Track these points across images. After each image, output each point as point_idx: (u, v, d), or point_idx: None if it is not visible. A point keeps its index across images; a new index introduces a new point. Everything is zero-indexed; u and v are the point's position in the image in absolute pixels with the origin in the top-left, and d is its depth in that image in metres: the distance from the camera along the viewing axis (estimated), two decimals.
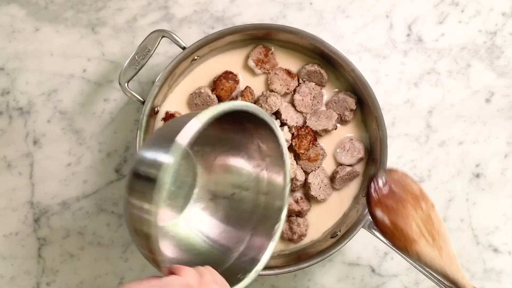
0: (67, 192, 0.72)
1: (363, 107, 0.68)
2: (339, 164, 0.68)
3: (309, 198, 0.68)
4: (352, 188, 0.69)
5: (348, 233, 0.64)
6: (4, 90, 0.72)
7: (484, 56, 0.74)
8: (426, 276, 0.60)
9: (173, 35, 0.63)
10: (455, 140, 0.74)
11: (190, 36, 0.72)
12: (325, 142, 0.69)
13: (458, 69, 0.74)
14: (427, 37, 0.74)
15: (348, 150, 0.68)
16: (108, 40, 0.72)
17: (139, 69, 0.63)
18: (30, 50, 0.72)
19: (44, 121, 0.72)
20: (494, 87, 0.74)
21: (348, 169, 0.67)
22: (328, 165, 0.69)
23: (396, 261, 0.72)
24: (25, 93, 0.72)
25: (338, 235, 0.66)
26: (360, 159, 0.68)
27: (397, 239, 0.52)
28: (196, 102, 0.68)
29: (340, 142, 0.69)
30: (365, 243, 0.72)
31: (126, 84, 0.63)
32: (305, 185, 0.68)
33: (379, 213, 0.53)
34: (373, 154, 0.68)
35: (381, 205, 0.52)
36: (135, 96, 0.63)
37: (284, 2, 0.73)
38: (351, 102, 0.67)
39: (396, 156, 0.72)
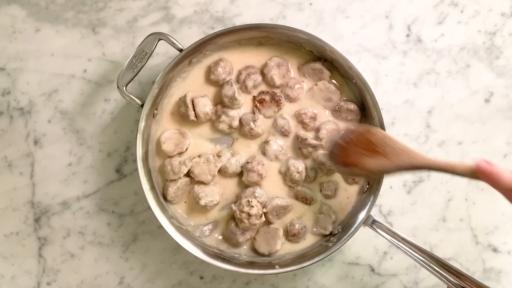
0: (67, 192, 0.72)
1: (363, 107, 0.69)
2: None
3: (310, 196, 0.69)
4: (358, 184, 0.69)
5: (348, 232, 0.65)
6: (5, 90, 0.72)
7: (483, 56, 0.74)
8: (429, 271, 0.59)
9: (170, 37, 0.63)
10: (454, 140, 0.74)
11: (190, 37, 0.72)
12: None
13: (458, 69, 0.74)
14: (427, 37, 0.74)
15: None
16: (108, 41, 0.72)
17: (137, 72, 0.63)
18: (31, 51, 0.72)
19: (45, 121, 0.72)
20: (493, 87, 0.74)
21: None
22: None
23: (396, 261, 0.72)
24: (25, 93, 0.72)
25: (339, 232, 0.66)
26: None
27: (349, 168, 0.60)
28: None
29: None
30: (365, 243, 0.72)
31: (124, 88, 0.63)
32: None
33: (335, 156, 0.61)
34: None
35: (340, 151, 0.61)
36: (133, 99, 0.63)
37: (284, 2, 0.73)
38: (354, 109, 0.68)
39: None
